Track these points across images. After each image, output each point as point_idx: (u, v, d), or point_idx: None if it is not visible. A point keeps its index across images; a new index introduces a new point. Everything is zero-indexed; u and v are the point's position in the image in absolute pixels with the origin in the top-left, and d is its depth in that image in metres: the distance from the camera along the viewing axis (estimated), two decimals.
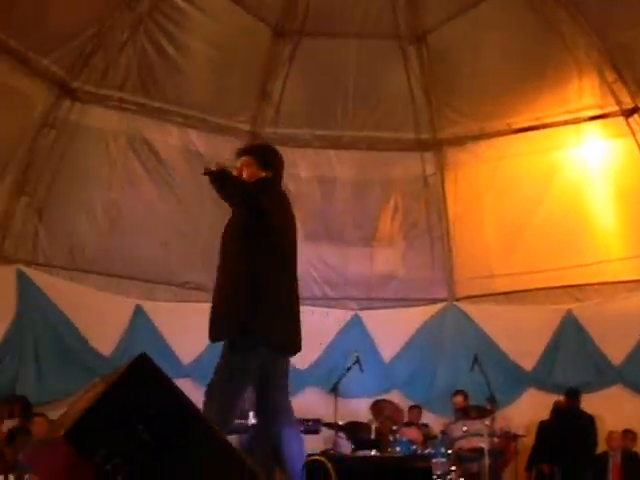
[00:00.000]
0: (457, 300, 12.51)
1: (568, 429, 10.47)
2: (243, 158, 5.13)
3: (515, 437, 10.62)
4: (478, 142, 12.30)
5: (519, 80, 11.61)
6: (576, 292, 11.86)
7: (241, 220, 4.86)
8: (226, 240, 4.98)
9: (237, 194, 4.85)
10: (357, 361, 10.24)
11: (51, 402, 10.32)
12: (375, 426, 10.29)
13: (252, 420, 8.92)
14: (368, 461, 8.51)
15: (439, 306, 12.47)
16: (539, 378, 11.68)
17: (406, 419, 10.92)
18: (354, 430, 10.18)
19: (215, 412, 4.42)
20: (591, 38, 11.10)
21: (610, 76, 11.17)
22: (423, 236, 12.66)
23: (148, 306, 11.42)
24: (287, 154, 12.68)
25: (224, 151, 12.06)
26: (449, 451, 9.34)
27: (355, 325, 12.31)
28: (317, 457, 7.75)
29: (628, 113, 11.25)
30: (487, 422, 9.32)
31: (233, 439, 8.32)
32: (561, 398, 10.89)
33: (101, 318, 11.13)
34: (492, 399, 9.76)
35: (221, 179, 4.87)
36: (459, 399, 10.93)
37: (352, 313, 12.41)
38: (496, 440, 9.79)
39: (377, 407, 10.92)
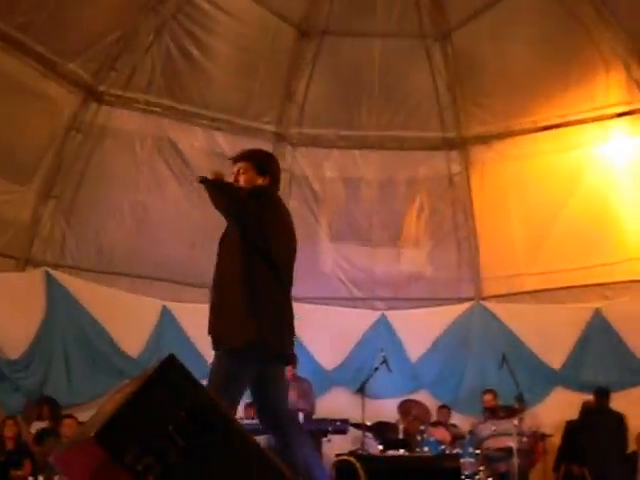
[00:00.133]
0: (484, 299, 12.45)
1: (597, 428, 10.39)
2: (240, 164, 5.08)
3: (543, 437, 10.56)
4: (504, 140, 12.25)
5: (545, 77, 11.54)
6: (604, 290, 11.77)
7: (234, 228, 4.85)
8: (221, 247, 4.96)
9: (227, 203, 4.81)
10: (384, 361, 10.23)
11: (80, 404, 10.40)
12: (403, 426, 10.27)
13: None
14: (397, 461, 8.49)
15: (466, 305, 12.42)
16: (567, 377, 11.60)
17: (434, 419, 10.88)
18: (382, 430, 10.17)
19: None
20: (618, 33, 11.03)
21: (637, 72, 11.08)
22: (449, 235, 12.63)
23: (175, 307, 11.46)
24: (312, 155, 12.87)
25: None
26: (477, 451, 9.30)
27: (382, 325, 12.28)
28: (346, 457, 7.76)
29: None
30: (515, 422, 9.26)
31: (262, 440, 8.35)
32: (590, 397, 10.80)
33: (128, 320, 11.19)
34: (520, 398, 9.70)
35: (213, 187, 4.85)
36: (489, 398, 10.87)
37: (379, 313, 12.39)
38: (524, 440, 9.73)
39: (405, 407, 10.90)
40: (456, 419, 11.23)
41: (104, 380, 10.55)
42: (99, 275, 11.45)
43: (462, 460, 8.70)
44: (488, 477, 9.14)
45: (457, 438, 10.08)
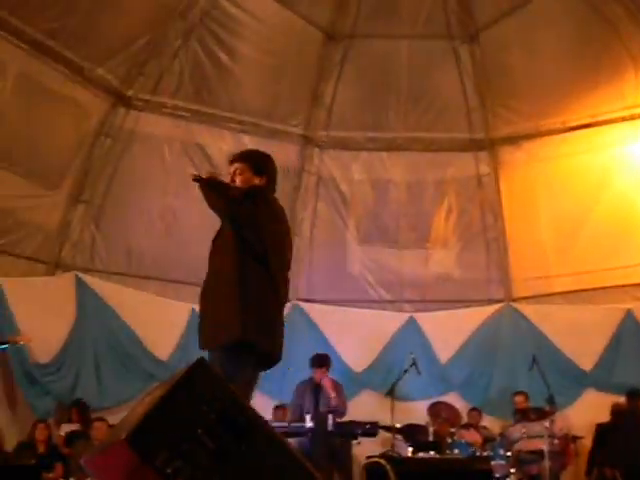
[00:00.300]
0: (513, 301, 12.39)
1: (629, 430, 10.28)
2: (236, 165, 5.11)
3: (574, 439, 10.48)
4: (532, 141, 12.18)
5: (574, 77, 11.48)
6: (636, 291, 11.66)
7: (228, 227, 4.84)
8: (214, 245, 4.96)
9: (220, 203, 4.81)
10: (414, 363, 10.20)
11: (110, 407, 10.47)
12: (433, 429, 10.24)
13: (309, 423, 8.95)
14: (427, 463, 8.46)
15: (495, 307, 12.35)
16: (598, 379, 11.50)
17: (465, 421, 10.84)
18: (411, 433, 10.14)
19: None
20: None
21: None
22: (478, 237, 12.58)
23: None
24: (340, 157, 12.88)
25: (278, 155, 12.08)
26: (508, 453, 9.25)
27: (411, 327, 12.24)
28: (376, 459, 7.74)
29: None
30: (546, 424, 9.20)
31: (291, 442, 8.35)
32: (621, 399, 10.71)
33: (158, 323, 11.23)
34: (551, 400, 9.64)
35: (207, 187, 4.85)
36: (520, 399, 10.81)
37: (408, 315, 12.35)
38: (556, 442, 9.66)
39: (435, 409, 10.87)
40: (486, 421, 11.19)
41: (134, 383, 10.60)
42: (128, 279, 11.51)
43: (493, 462, 8.66)
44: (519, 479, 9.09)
45: (488, 440, 10.04)
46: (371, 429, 9.20)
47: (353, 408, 10.01)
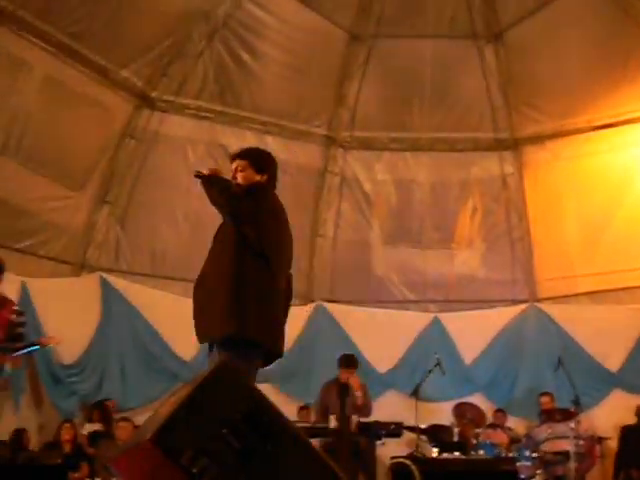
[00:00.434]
0: (538, 301, 12.32)
1: None
2: (238, 162, 5.09)
3: (600, 440, 10.41)
4: (557, 140, 12.12)
5: (599, 76, 11.40)
6: None
7: (229, 224, 4.84)
8: (214, 241, 4.96)
9: (222, 199, 4.82)
10: (438, 364, 10.17)
11: (135, 407, 10.52)
12: (457, 429, 10.20)
13: (333, 423, 8.94)
14: (453, 463, 8.44)
15: (520, 307, 12.29)
16: (625, 380, 11.41)
17: (489, 422, 10.79)
18: (436, 433, 10.11)
19: None
20: None
21: None
22: (503, 237, 12.53)
23: None
24: (363, 157, 12.86)
25: (301, 156, 12.16)
26: (534, 454, 9.20)
27: (435, 328, 12.21)
28: (401, 459, 7.73)
29: None
30: (572, 425, 9.14)
31: (316, 442, 8.35)
32: None
33: (182, 323, 11.16)
34: (577, 401, 9.58)
35: (209, 183, 4.86)
36: (546, 400, 10.75)
37: (432, 316, 12.31)
38: (581, 443, 9.60)
39: (459, 410, 10.83)
40: (510, 422, 11.13)
41: (158, 384, 10.65)
42: (153, 279, 11.55)
43: (518, 463, 8.62)
44: None
45: (513, 441, 9.99)
46: (395, 430, 9.17)
47: (377, 409, 9.98)
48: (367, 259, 12.66)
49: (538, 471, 8.97)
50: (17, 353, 7.11)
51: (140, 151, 11.44)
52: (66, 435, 9.41)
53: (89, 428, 9.93)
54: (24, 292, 9.97)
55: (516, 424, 11.09)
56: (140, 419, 9.38)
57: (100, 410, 10.13)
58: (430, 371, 10.20)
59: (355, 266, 12.73)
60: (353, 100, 12.34)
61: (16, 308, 7.21)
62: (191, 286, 4.92)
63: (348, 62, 12.13)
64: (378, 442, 9.31)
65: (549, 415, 10.18)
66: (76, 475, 8.75)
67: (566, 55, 11.51)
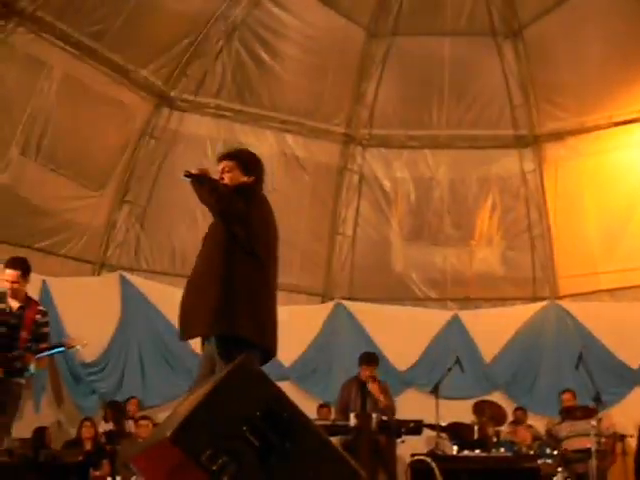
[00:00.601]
0: (559, 298, 12.26)
1: None
2: (225, 162, 5.10)
3: (622, 437, 10.35)
4: (578, 137, 12.06)
5: (619, 71, 11.34)
6: None
7: (219, 224, 4.85)
8: (204, 242, 4.98)
9: (212, 198, 4.82)
10: (458, 362, 10.14)
11: (154, 406, 10.56)
12: (478, 427, 10.17)
13: (353, 421, 8.93)
14: (474, 461, 8.41)
15: (541, 305, 12.24)
16: None
17: (511, 420, 10.76)
18: (456, 431, 10.08)
19: None
20: None
21: None
22: (523, 234, 12.48)
23: None
24: (382, 155, 12.84)
25: (320, 154, 12.16)
26: (555, 452, 9.16)
27: (455, 325, 12.19)
28: (422, 457, 7.72)
29: None
30: (593, 422, 9.09)
31: (336, 440, 8.36)
32: None
33: None
34: (598, 399, 9.52)
35: (199, 182, 4.88)
36: (567, 397, 10.70)
37: (452, 313, 12.29)
38: (603, 440, 9.54)
39: (480, 408, 10.78)
40: (531, 419, 11.09)
41: (178, 382, 10.65)
42: (173, 278, 11.57)
43: (540, 461, 8.58)
44: (566, 478, 8.98)
45: (534, 439, 9.96)
46: (415, 427, 9.15)
47: (397, 406, 9.97)
48: (386, 257, 12.65)
49: (559, 469, 8.92)
50: (42, 354, 7.15)
51: (159, 150, 11.48)
52: (87, 433, 9.47)
53: (104, 427, 9.99)
54: (45, 291, 10.03)
55: (537, 422, 11.05)
56: (160, 417, 9.42)
57: (112, 410, 10.17)
58: (450, 369, 10.15)
59: (374, 264, 12.72)
60: (371, 98, 12.33)
61: (41, 308, 7.26)
62: None
63: (366, 60, 12.13)
64: (398, 440, 9.30)
65: (570, 412, 10.13)
66: (97, 473, 8.79)
67: (586, 51, 11.45)
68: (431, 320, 12.23)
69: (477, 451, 8.90)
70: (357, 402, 9.59)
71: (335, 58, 11.95)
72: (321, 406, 10.90)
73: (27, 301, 7.12)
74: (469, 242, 12.55)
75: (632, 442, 10.61)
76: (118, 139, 11.25)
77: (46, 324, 7.22)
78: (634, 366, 11.44)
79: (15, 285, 6.97)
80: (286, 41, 11.62)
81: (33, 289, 7.64)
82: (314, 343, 11.79)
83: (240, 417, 3.17)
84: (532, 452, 9.09)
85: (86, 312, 10.34)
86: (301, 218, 12.09)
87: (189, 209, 11.63)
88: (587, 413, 9.58)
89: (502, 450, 9.01)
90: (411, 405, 10.68)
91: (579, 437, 9.32)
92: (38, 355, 7.05)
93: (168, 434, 3.13)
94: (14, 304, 7.00)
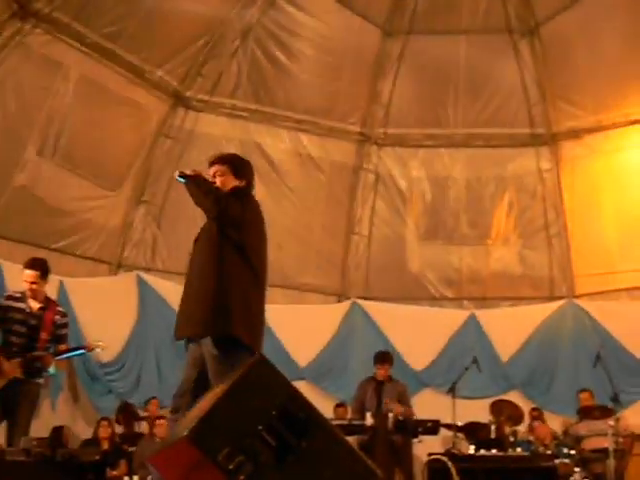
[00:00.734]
0: (576, 297, 12.21)
1: None
2: (217, 166, 5.14)
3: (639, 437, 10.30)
4: (595, 135, 12.00)
5: (636, 69, 11.27)
6: None
7: (212, 226, 4.86)
8: (196, 245, 5.03)
9: (209, 201, 4.84)
10: (475, 361, 10.12)
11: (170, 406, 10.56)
12: (495, 426, 10.15)
13: (369, 421, 8.94)
14: (491, 460, 8.39)
15: (558, 304, 12.19)
16: None
17: (528, 420, 10.72)
18: (473, 430, 10.07)
19: None
20: None
21: None
22: (540, 233, 12.43)
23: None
24: (398, 154, 12.82)
25: (335, 153, 12.15)
26: (572, 451, 9.12)
27: (471, 325, 12.15)
28: (438, 456, 7.71)
29: None
30: (611, 422, 9.06)
31: (352, 440, 8.36)
32: None
33: None
34: (616, 398, 9.48)
35: (195, 184, 4.89)
36: (585, 397, 10.66)
37: (468, 313, 12.26)
38: (620, 440, 9.50)
39: (497, 407, 10.76)
40: (548, 419, 11.04)
41: None
42: None
43: (557, 461, 8.55)
44: (584, 478, 8.95)
45: (552, 438, 9.93)
46: (432, 427, 9.15)
47: (414, 406, 9.97)
48: (402, 256, 12.63)
49: (577, 468, 8.89)
50: (63, 356, 7.19)
51: (175, 150, 11.50)
52: (103, 433, 9.50)
53: (118, 429, 10.04)
54: (62, 291, 10.06)
55: (554, 421, 11.00)
56: None
57: (123, 413, 10.19)
58: (467, 368, 10.15)
59: (390, 263, 12.70)
60: (387, 97, 12.31)
61: (60, 309, 7.30)
62: None
63: (382, 59, 12.11)
64: (415, 440, 9.29)
65: (588, 412, 10.10)
66: (114, 472, 8.82)
67: (602, 49, 11.39)
68: (447, 320, 12.21)
69: (494, 451, 8.88)
70: (373, 401, 9.60)
71: (350, 57, 11.94)
72: (337, 405, 10.90)
73: (47, 302, 7.16)
74: (485, 241, 12.52)
75: None
76: (134, 139, 11.29)
77: (65, 325, 7.26)
78: None
79: (34, 286, 7.01)
80: (301, 40, 11.62)
81: (50, 289, 7.67)
82: (330, 343, 11.79)
83: (256, 417, 3.17)
84: (549, 452, 9.06)
85: (103, 312, 10.38)
86: (317, 218, 12.10)
87: None
88: (605, 413, 9.55)
89: (519, 450, 8.98)
90: (428, 405, 10.66)
91: (597, 437, 9.31)
92: (58, 357, 7.09)
93: (186, 433, 3.13)
94: (34, 305, 7.03)
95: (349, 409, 10.43)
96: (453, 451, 9.06)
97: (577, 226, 12.23)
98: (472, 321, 12.18)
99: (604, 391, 9.76)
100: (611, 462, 8.84)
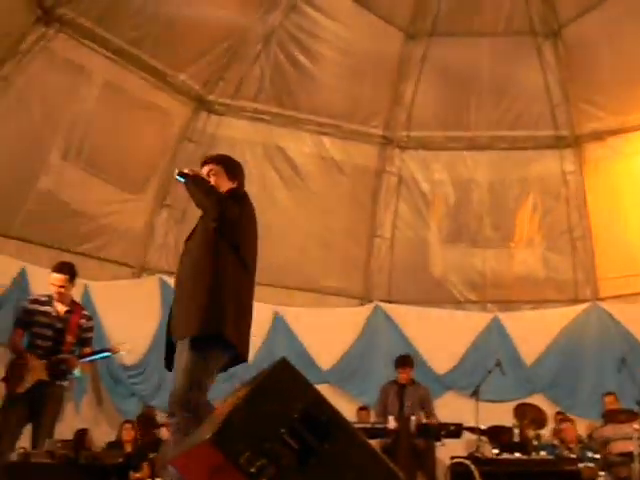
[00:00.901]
0: (600, 300, 12.13)
1: None
2: (211, 166, 5.15)
3: None
4: (618, 137, 11.93)
5: None
6: None
7: (207, 226, 4.86)
8: (187, 245, 5.02)
9: (208, 201, 4.85)
10: (498, 364, 10.08)
11: None
12: (518, 430, 10.09)
13: (392, 424, 8.92)
14: (514, 464, 8.35)
15: (582, 307, 12.12)
16: None
17: (552, 424, 10.66)
18: (496, 434, 10.02)
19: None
20: None
21: None
22: (563, 235, 12.37)
23: (286, 312, 11.55)
24: (420, 157, 12.80)
25: (357, 156, 12.15)
26: (597, 455, 9.06)
27: (495, 328, 12.10)
28: (461, 459, 7.68)
29: None
30: (636, 426, 8.98)
31: (375, 443, 8.34)
32: None
33: None
34: None
35: (195, 184, 4.94)
36: (610, 400, 10.59)
37: (492, 316, 12.21)
38: None
39: (520, 411, 10.70)
40: None
41: (217, 384, 10.66)
42: None
43: (581, 464, 8.50)
44: None
45: (577, 442, 9.87)
46: (455, 430, 9.12)
47: (437, 409, 9.94)
48: (425, 259, 12.61)
49: (601, 472, 8.83)
50: (88, 359, 7.24)
51: (198, 154, 11.50)
52: (127, 436, 9.55)
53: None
54: (86, 295, 10.13)
55: (578, 425, 10.93)
56: None
57: (141, 419, 10.21)
58: (490, 372, 10.11)
59: (413, 266, 12.67)
60: (410, 100, 12.29)
61: (85, 313, 7.35)
62: None
63: (404, 61, 12.10)
64: (438, 443, 9.26)
65: (613, 416, 10.02)
66: (137, 475, 8.85)
67: (626, 50, 11.32)
68: (471, 323, 12.16)
69: (517, 454, 8.84)
70: (395, 405, 9.58)
71: (373, 60, 11.93)
72: (360, 409, 10.89)
73: (73, 305, 7.22)
74: (509, 244, 12.47)
75: None
76: (157, 143, 11.34)
77: (91, 329, 7.31)
78: None
79: (62, 289, 7.08)
80: (324, 44, 11.63)
81: (75, 293, 7.72)
82: (353, 346, 11.77)
83: (279, 420, 3.17)
84: (574, 455, 9.00)
85: (127, 315, 10.42)
86: (339, 221, 12.10)
87: None
88: (630, 416, 9.48)
89: (543, 453, 8.93)
90: (451, 408, 10.63)
91: (622, 440, 9.23)
92: (83, 359, 7.14)
93: (208, 436, 3.14)
94: (60, 308, 7.09)
95: (372, 412, 10.42)
96: (476, 454, 9.02)
97: (601, 228, 12.16)
98: (496, 324, 12.13)
99: (629, 394, 9.69)
100: (636, 466, 8.77)
